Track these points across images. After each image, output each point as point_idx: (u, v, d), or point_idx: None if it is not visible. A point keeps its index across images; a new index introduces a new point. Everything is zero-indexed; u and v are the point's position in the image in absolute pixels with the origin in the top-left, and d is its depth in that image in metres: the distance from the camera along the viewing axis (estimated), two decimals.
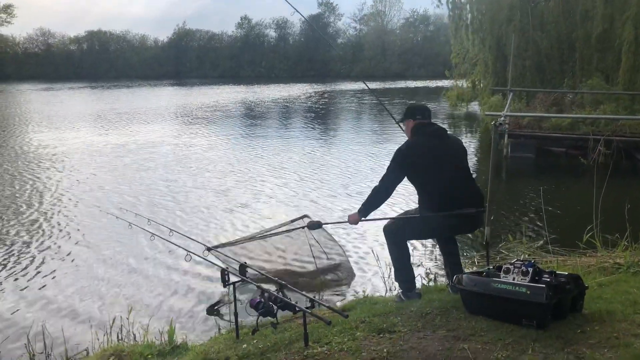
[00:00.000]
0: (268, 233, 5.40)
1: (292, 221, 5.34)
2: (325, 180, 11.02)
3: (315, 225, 4.56)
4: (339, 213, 8.36)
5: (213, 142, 16.67)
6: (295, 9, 5.81)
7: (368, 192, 3.95)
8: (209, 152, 14.75)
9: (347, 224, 4.13)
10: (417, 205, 3.94)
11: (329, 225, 5.47)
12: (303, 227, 5.08)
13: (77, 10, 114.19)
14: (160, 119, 23.33)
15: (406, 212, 4.13)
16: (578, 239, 5.22)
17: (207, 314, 4.99)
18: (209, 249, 4.79)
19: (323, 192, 9.99)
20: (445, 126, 4.43)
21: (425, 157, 3.78)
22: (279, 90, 43.32)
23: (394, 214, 4.95)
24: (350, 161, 13.14)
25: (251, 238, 5.42)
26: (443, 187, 3.74)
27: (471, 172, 4.01)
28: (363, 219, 3.98)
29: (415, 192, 3.95)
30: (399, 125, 4.22)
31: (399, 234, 3.92)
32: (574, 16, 16.10)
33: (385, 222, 4.09)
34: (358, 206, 3.97)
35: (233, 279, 3.39)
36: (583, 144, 12.86)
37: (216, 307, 5.04)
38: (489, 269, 3.37)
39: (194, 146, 15.78)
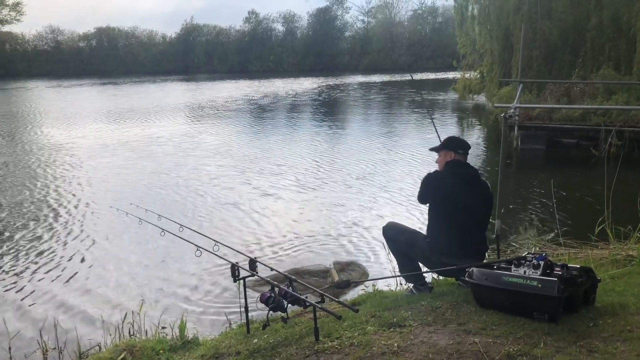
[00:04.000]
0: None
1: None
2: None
3: (344, 285, 4.30)
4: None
5: (252, 136, 17.20)
6: None
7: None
8: (247, 146, 15.13)
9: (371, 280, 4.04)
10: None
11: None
12: (330, 286, 4.93)
13: (87, 7, 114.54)
14: (188, 113, 23.57)
15: (414, 234, 3.91)
16: (590, 231, 5.17)
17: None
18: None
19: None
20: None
21: (449, 197, 3.63)
22: (294, 83, 43.19)
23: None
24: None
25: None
26: (454, 235, 3.61)
27: (487, 226, 3.83)
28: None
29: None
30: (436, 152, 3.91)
31: (394, 241, 3.90)
32: (583, 5, 15.87)
33: (385, 223, 4.04)
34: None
35: (243, 273, 3.40)
36: (594, 135, 12.74)
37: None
38: (499, 262, 3.35)
39: (228, 139, 16.28)
